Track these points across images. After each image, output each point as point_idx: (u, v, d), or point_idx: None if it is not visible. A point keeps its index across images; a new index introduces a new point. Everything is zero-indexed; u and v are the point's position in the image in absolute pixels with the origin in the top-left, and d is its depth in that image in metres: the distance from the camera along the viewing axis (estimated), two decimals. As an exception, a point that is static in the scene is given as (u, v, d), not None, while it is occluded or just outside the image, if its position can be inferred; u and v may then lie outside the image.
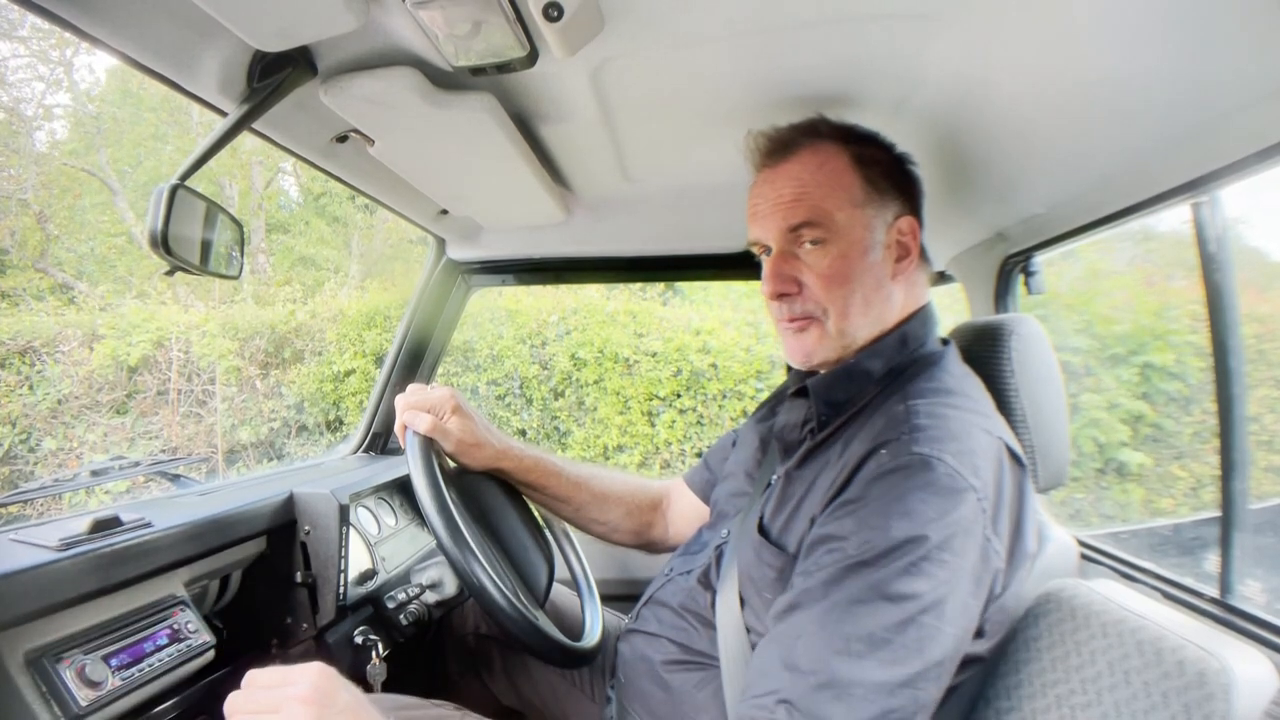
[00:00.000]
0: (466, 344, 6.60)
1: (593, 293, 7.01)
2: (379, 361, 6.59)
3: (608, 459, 6.36)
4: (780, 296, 1.11)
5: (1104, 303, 6.00)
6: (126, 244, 10.47)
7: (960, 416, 0.96)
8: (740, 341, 6.50)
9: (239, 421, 6.89)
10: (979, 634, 0.94)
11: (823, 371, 1.14)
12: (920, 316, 1.14)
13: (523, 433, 6.50)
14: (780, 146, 1.12)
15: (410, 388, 1.35)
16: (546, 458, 1.46)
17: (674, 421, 6.33)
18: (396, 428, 1.32)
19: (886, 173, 1.12)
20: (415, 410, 1.30)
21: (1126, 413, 5.56)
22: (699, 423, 6.33)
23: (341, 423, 6.91)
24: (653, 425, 6.40)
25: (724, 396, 6.32)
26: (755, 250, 1.18)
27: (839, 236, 1.07)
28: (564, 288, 6.83)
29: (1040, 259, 1.59)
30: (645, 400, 6.42)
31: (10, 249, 9.68)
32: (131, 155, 11.43)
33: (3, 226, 9.62)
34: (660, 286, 7.95)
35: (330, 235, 11.95)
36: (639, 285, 7.40)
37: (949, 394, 1.01)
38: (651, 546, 1.59)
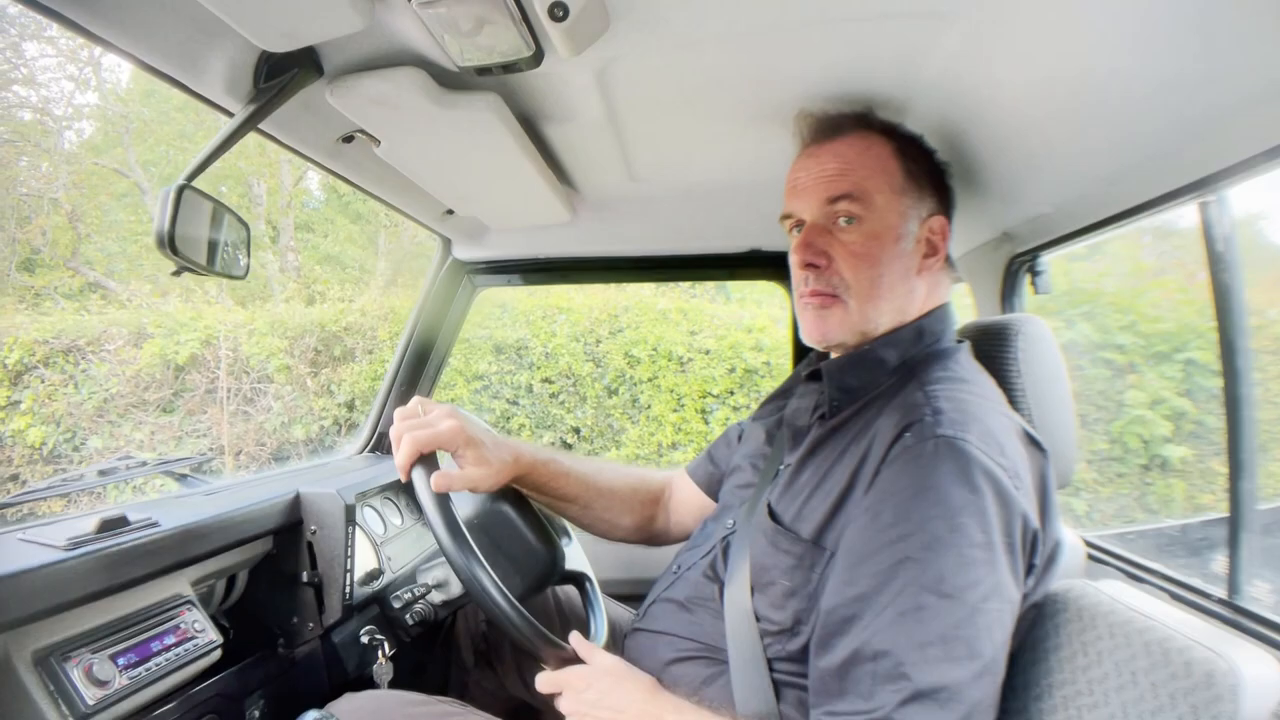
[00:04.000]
0: (520, 342, 6.57)
1: (645, 291, 6.99)
2: (431, 360, 6.58)
3: (661, 457, 6.37)
4: (809, 266, 1.12)
5: (1147, 300, 5.97)
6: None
7: (978, 402, 0.97)
8: (792, 338, 6.46)
9: (290, 419, 6.87)
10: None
11: (835, 355, 1.15)
12: (939, 314, 1.15)
13: (577, 430, 6.47)
14: (829, 127, 1.15)
15: (404, 415, 1.19)
16: (553, 460, 1.42)
17: (728, 419, 6.33)
18: (400, 460, 1.14)
19: (927, 171, 1.14)
20: (425, 451, 1.15)
21: (1170, 409, 5.54)
22: (753, 420, 6.33)
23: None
24: (706, 423, 6.41)
25: None
26: (786, 226, 1.19)
27: (874, 217, 1.09)
28: (612, 286, 6.81)
29: (1047, 258, 1.59)
30: (699, 398, 6.42)
31: (42, 248, 9.83)
32: (159, 154, 11.47)
33: (35, 225, 9.75)
34: (711, 285, 7.93)
35: (357, 233, 11.94)
36: (688, 284, 7.38)
37: (964, 382, 1.02)
38: (653, 539, 1.58)
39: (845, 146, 1.12)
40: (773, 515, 1.09)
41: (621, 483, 1.54)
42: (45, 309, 8.70)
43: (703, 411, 6.45)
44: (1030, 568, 0.93)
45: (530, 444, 1.39)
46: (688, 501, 1.56)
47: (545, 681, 1.07)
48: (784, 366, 6.30)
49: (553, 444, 6.21)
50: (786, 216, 1.18)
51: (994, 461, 0.88)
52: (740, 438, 1.46)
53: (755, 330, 6.58)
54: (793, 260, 1.14)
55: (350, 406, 6.94)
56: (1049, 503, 0.98)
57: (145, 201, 10.59)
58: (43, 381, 6.79)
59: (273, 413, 6.75)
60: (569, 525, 1.55)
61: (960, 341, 1.16)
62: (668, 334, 6.55)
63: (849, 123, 1.14)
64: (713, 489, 1.49)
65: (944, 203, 1.17)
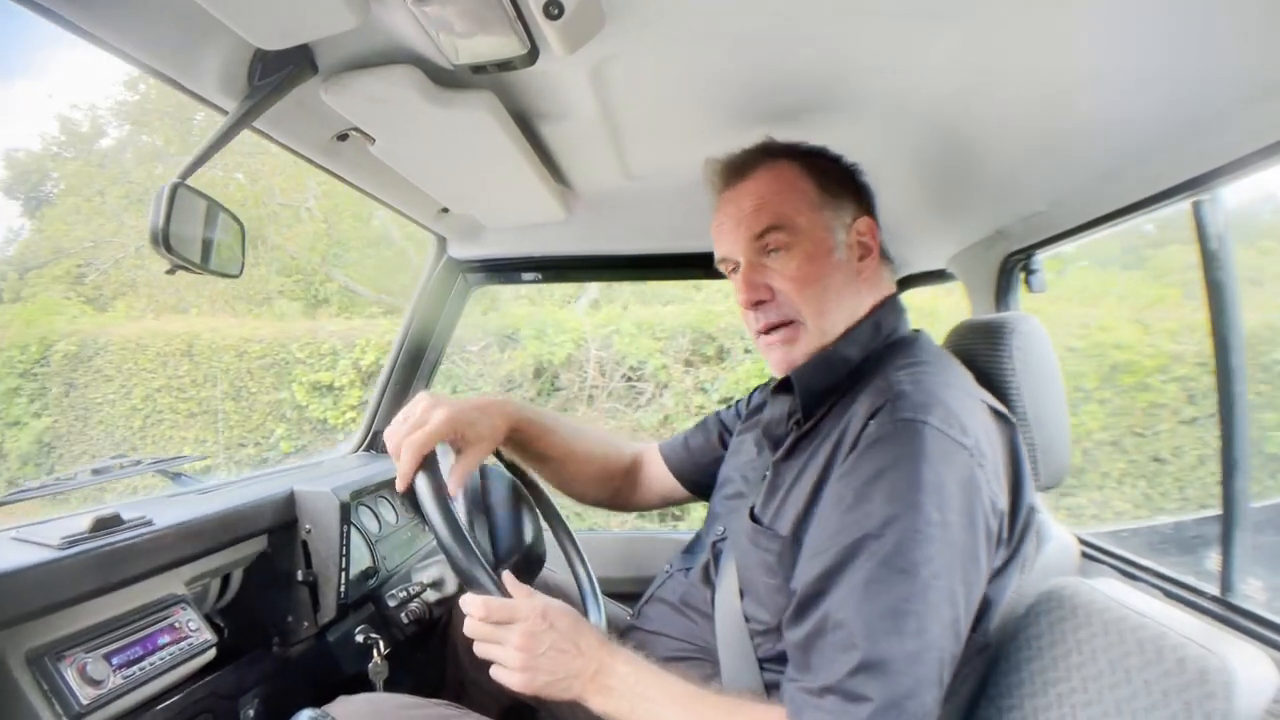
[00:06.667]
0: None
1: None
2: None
3: None
4: (756, 305, 1.15)
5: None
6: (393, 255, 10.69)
7: (940, 380, 1.00)
8: (1145, 339, 6.69)
9: (668, 415, 6.93)
10: (979, 619, 0.96)
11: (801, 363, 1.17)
12: (890, 305, 1.18)
13: None
14: (737, 168, 1.19)
15: (393, 430, 1.15)
16: (538, 418, 1.43)
17: (1094, 412, 6.59)
18: (404, 471, 1.11)
19: (838, 179, 1.17)
20: (425, 453, 1.11)
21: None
22: (1113, 414, 6.59)
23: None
24: (1075, 414, 6.59)
25: (1137, 389, 6.53)
26: (725, 269, 1.22)
27: (802, 239, 1.12)
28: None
29: (1041, 257, 1.59)
30: (1070, 392, 6.58)
31: (297, 254, 10.33)
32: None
33: (294, 232, 10.35)
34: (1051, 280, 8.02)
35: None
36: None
37: (927, 364, 1.05)
38: (616, 508, 1.63)
39: (755, 182, 1.16)
40: (754, 517, 1.11)
41: (596, 449, 1.55)
42: (284, 312, 9.39)
43: (1071, 405, 6.65)
44: (1000, 540, 0.96)
45: (515, 401, 1.44)
46: (658, 479, 1.59)
47: (495, 608, 1.00)
48: (1141, 363, 6.52)
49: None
50: (723, 261, 1.22)
51: (955, 441, 0.91)
52: (720, 435, 1.50)
53: (1108, 329, 6.79)
54: (739, 300, 1.16)
55: (726, 403, 6.91)
56: (1021, 471, 1.01)
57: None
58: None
59: (649, 409, 6.77)
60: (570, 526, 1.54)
61: (917, 330, 1.19)
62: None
63: (754, 158, 1.18)
64: (683, 474, 1.54)
65: (864, 202, 1.19)
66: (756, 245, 1.14)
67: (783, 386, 1.20)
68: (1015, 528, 0.99)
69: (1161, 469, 6.21)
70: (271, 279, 10.42)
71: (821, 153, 1.20)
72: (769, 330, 1.15)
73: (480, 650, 1.03)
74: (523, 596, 1.03)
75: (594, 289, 8.16)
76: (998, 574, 0.97)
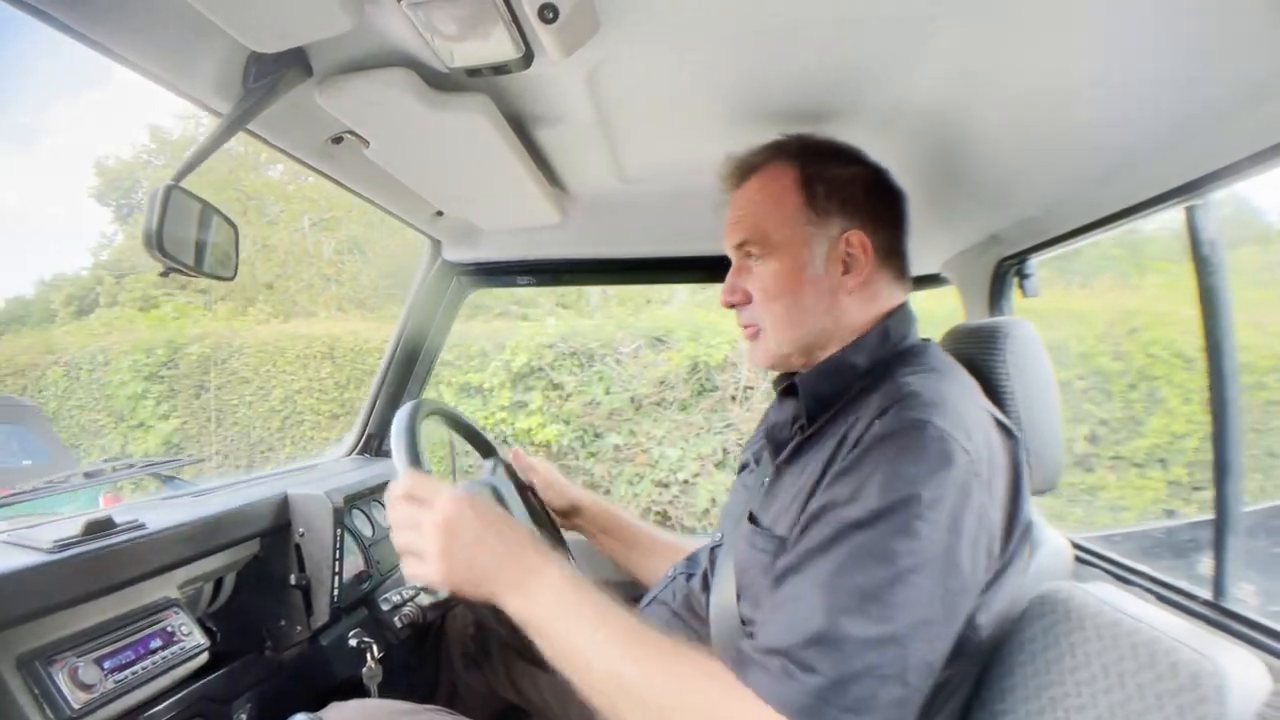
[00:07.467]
0: (1056, 342, 6.84)
1: (1154, 297, 7.36)
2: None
3: (1173, 444, 6.73)
4: (730, 306, 1.19)
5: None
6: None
7: (950, 388, 0.99)
8: (1260, 340, 6.82)
9: None
10: (972, 625, 0.95)
11: (805, 370, 1.16)
12: (899, 314, 1.16)
13: (1105, 421, 6.81)
14: (740, 171, 1.19)
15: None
16: (617, 510, 1.67)
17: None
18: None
19: (834, 190, 1.13)
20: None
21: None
22: (1233, 410, 6.73)
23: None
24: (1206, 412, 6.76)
25: (1255, 388, 6.63)
26: None
27: (774, 253, 1.13)
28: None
29: (1035, 261, 1.59)
30: (1203, 391, 6.74)
31: (401, 259, 11.01)
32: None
33: (399, 240, 11.12)
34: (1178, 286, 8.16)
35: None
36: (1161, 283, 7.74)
37: (936, 373, 1.03)
38: None
39: (747, 190, 1.17)
40: (753, 519, 1.11)
41: (672, 542, 1.65)
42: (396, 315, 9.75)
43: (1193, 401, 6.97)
44: (989, 554, 0.93)
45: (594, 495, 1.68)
46: None
47: (420, 485, 1.00)
48: (1254, 364, 6.65)
49: (1086, 437, 6.67)
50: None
51: (958, 445, 0.89)
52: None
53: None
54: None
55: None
56: (1020, 487, 1.00)
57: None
58: (560, 388, 6.93)
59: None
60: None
61: (926, 339, 1.17)
62: (1177, 337, 6.92)
63: (760, 159, 1.17)
64: None
65: (862, 215, 1.13)
66: (739, 252, 1.17)
67: (789, 391, 1.20)
68: (1009, 543, 0.97)
69: (1275, 463, 6.35)
70: (379, 284, 10.99)
71: (832, 155, 1.16)
72: (744, 328, 1.19)
73: (397, 539, 1.00)
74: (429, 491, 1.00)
75: (683, 291, 8.24)
76: (986, 588, 0.95)
